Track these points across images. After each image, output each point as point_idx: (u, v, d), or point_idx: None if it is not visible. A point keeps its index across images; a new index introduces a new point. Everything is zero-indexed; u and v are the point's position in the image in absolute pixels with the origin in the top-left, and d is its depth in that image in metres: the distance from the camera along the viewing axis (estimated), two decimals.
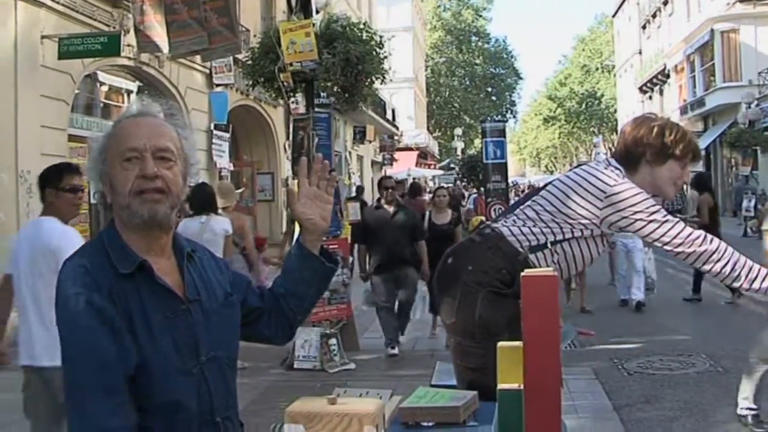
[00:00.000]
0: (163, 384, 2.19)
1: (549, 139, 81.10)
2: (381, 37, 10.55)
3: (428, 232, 10.69)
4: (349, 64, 9.62)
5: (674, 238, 3.45)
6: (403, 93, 51.41)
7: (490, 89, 70.14)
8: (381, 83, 10.83)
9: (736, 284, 3.50)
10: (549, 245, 3.53)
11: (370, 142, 36.20)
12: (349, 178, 30.69)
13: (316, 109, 9.92)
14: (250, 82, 10.55)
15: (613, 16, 66.36)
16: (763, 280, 3.42)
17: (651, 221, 3.47)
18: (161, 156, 2.24)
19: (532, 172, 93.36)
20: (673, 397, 7.72)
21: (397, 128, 43.37)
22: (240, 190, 16.68)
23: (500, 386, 2.07)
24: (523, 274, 1.79)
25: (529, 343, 1.77)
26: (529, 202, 3.69)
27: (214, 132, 19.22)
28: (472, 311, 3.51)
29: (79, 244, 5.04)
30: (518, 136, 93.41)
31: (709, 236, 3.52)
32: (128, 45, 13.49)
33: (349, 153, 33.95)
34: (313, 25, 9.50)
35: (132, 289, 2.20)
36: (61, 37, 12.00)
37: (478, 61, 68.91)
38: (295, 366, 9.40)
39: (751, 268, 3.45)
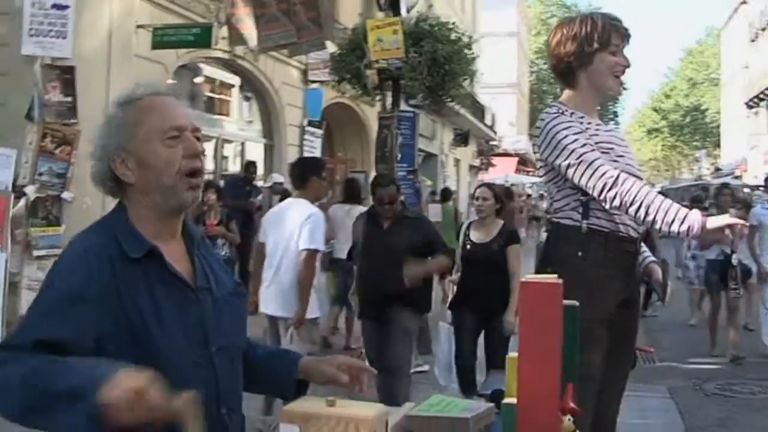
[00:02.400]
0: (170, 372, 2.06)
1: (652, 151, 79.63)
2: (470, 37, 10.34)
3: (463, 254, 7.31)
4: (435, 63, 9.48)
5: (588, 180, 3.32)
6: (505, 98, 51.02)
7: None
8: (469, 84, 10.61)
9: (656, 227, 3.28)
10: (587, 202, 3.35)
11: (466, 145, 35.89)
12: (444, 180, 30.54)
13: (402, 108, 9.77)
14: (337, 78, 10.46)
15: (722, 29, 64.74)
16: (681, 222, 3.17)
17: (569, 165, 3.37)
18: (197, 136, 2.26)
19: None
20: (750, 422, 7.40)
21: (495, 133, 42.96)
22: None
23: (506, 400, 1.93)
24: (523, 279, 1.57)
25: (524, 355, 1.53)
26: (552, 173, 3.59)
27: (307, 128, 19.26)
28: None
29: (320, 223, 6.28)
30: None
31: (623, 177, 3.29)
32: (223, 38, 13.54)
33: (446, 156, 33.76)
34: (402, 23, 9.34)
35: (141, 275, 2.15)
36: (155, 27, 12.07)
37: None
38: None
39: (667, 211, 3.20)
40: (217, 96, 17.42)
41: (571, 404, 2.07)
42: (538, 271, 3.66)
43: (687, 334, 11.96)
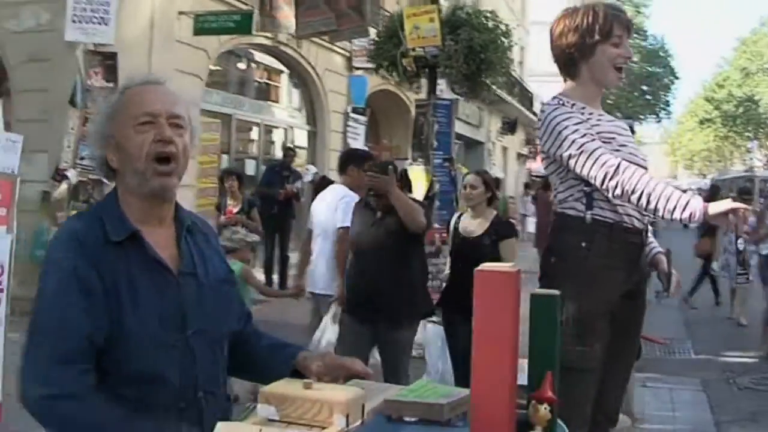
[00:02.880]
0: (140, 354, 2.17)
1: (704, 141, 78.27)
2: (507, 26, 10.27)
3: (451, 249, 6.71)
4: (472, 51, 9.41)
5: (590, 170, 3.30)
6: (554, 86, 50.36)
7: (645, 87, 68.10)
8: (504, 73, 10.55)
9: (658, 215, 3.27)
10: (590, 192, 3.33)
11: (513, 133, 35.64)
12: (490, 168, 30.38)
13: (439, 96, 9.76)
14: (374, 66, 10.47)
15: None
16: (683, 209, 3.14)
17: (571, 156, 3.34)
18: (175, 123, 2.26)
19: (684, 174, 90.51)
20: None
21: None
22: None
23: None
24: (477, 268, 1.57)
25: (477, 344, 1.54)
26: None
27: (351, 115, 19.30)
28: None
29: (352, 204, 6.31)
30: (672, 138, 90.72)
31: (624, 165, 3.27)
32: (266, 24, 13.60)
33: (493, 143, 33.58)
34: (439, 11, 9.31)
35: (122, 258, 2.20)
36: (196, 13, 12.16)
37: (635, 59, 66.96)
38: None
39: (668, 198, 3.17)
40: (260, 82, 17.50)
41: (549, 393, 2.07)
42: (542, 262, 3.64)
43: (724, 328, 11.80)
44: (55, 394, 2.09)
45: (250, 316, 2.67)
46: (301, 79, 18.18)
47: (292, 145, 15.94)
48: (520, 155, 40.92)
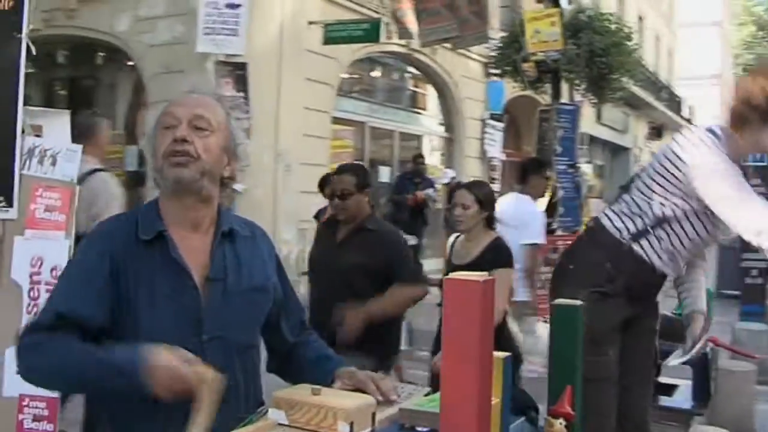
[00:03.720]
0: None
1: None
2: (629, 29, 10.02)
3: (444, 274, 4.96)
4: (593, 55, 9.22)
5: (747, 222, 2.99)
6: (706, 90, 48.83)
7: None
8: (629, 77, 10.28)
9: None
10: (650, 229, 3.18)
11: (660, 138, 34.65)
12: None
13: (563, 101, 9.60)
14: (499, 71, 10.40)
15: None
16: None
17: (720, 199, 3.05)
18: (196, 125, 2.28)
19: None
20: None
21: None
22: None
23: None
24: (446, 277, 1.53)
25: (446, 355, 1.50)
26: (631, 185, 3.38)
27: (488, 122, 19.19)
28: None
29: (537, 218, 6.85)
30: None
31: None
32: (395, 32, 13.70)
33: (640, 149, 32.79)
34: (561, 14, 9.16)
35: (148, 257, 2.25)
36: (326, 23, 12.35)
37: None
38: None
39: None
40: (394, 89, 17.60)
41: (567, 408, 2.01)
42: (559, 265, 3.53)
43: None
44: (21, 354, 2.16)
45: (304, 324, 2.68)
46: (437, 86, 18.19)
47: (422, 153, 15.94)
48: None
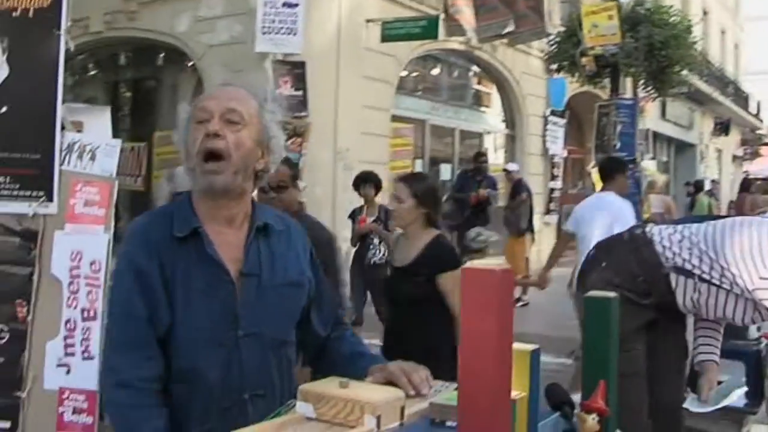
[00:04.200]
0: (188, 350, 2.23)
1: None
2: (689, 21, 9.83)
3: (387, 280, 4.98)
4: (653, 49, 9.06)
5: None
6: None
7: None
8: (689, 70, 10.09)
9: None
10: (696, 279, 3.11)
11: (726, 134, 34.02)
12: (703, 171, 29.19)
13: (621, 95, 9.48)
14: (555, 66, 10.29)
15: None
16: None
17: None
18: (228, 119, 2.28)
19: None
20: None
21: (761, 121, 40.43)
22: None
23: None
24: (465, 265, 1.49)
25: (462, 352, 1.47)
26: (701, 224, 3.26)
27: (550, 118, 19.03)
28: None
29: (624, 213, 6.73)
30: None
31: None
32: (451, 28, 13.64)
33: (706, 146, 32.22)
34: (618, 8, 9.04)
35: (183, 254, 2.26)
36: (383, 20, 12.34)
37: None
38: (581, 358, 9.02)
39: None
40: (455, 87, 17.53)
41: (600, 403, 1.96)
42: (591, 258, 3.48)
43: None
44: (117, 382, 2.18)
45: (339, 320, 2.67)
46: (498, 82, 18.08)
47: (483, 151, 15.84)
48: (735, 157, 39.00)
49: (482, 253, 6.87)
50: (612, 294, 2.03)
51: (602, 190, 7.35)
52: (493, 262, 1.51)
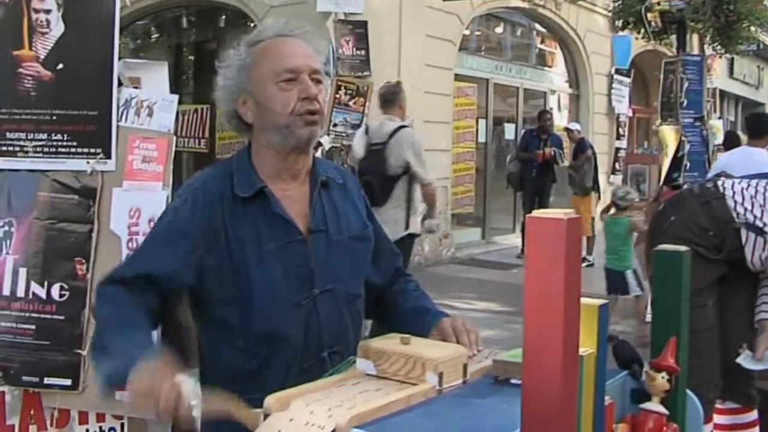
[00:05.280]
0: (266, 313, 2.19)
1: None
2: None
3: None
4: (720, 4, 8.78)
5: None
6: None
7: None
8: (758, 26, 9.78)
9: None
10: (766, 236, 2.99)
11: None
12: None
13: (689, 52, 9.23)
14: (620, 23, 10.07)
15: None
16: None
17: None
18: (316, 78, 2.24)
19: None
20: None
21: None
22: None
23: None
24: (529, 215, 1.43)
25: (529, 306, 1.41)
26: None
27: (615, 77, 18.70)
28: None
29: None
30: None
31: None
32: None
33: None
34: None
35: (248, 215, 2.21)
36: None
37: None
38: (647, 320, 8.93)
39: None
40: (518, 45, 17.31)
41: (670, 361, 1.89)
42: (659, 214, 3.39)
43: None
44: (96, 299, 2.18)
45: (399, 270, 2.61)
46: (562, 41, 17.80)
47: (548, 109, 15.62)
48: None
49: (629, 209, 6.98)
50: (683, 248, 1.94)
51: (750, 145, 7.30)
52: (558, 211, 1.43)
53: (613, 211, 8.12)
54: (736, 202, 3.15)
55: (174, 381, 1.79)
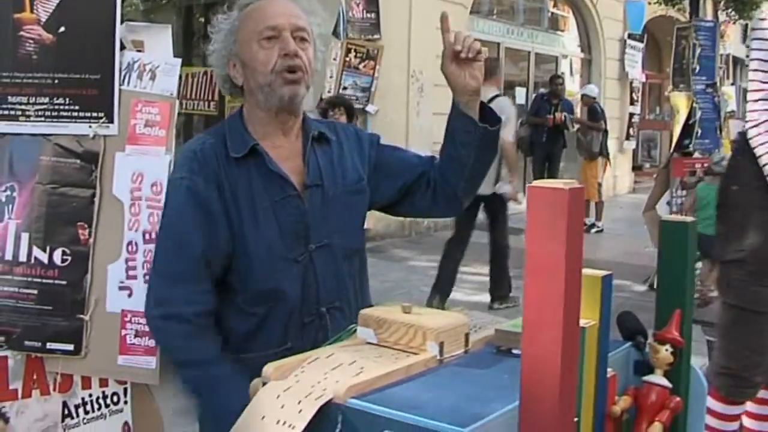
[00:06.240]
0: (263, 271, 2.21)
1: None
2: None
3: None
4: None
5: None
6: None
7: None
8: None
9: None
10: None
11: None
12: None
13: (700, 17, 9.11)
14: None
15: None
16: None
17: None
18: (300, 36, 2.25)
19: None
20: None
21: None
22: None
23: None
24: (530, 184, 1.40)
25: (529, 277, 1.39)
26: None
27: (628, 42, 18.62)
28: (742, 238, 2.99)
29: None
30: None
31: None
32: None
33: None
34: None
35: (243, 174, 2.23)
36: None
37: None
38: (655, 286, 8.89)
39: None
40: (530, 9, 17.17)
41: (674, 333, 1.87)
42: (721, 190, 3.29)
43: None
44: (165, 314, 2.16)
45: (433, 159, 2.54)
46: (574, 5, 17.66)
47: (559, 74, 15.52)
48: None
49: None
50: (689, 218, 1.92)
51: None
52: (560, 181, 1.41)
53: (708, 178, 7.96)
54: (757, 129, 3.07)
55: None
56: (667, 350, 1.85)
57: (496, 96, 7.91)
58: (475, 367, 1.80)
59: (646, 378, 1.86)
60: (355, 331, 1.97)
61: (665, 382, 1.85)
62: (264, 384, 1.69)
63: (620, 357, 1.90)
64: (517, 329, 2.01)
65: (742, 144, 3.20)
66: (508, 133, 7.82)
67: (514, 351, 1.93)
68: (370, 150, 2.47)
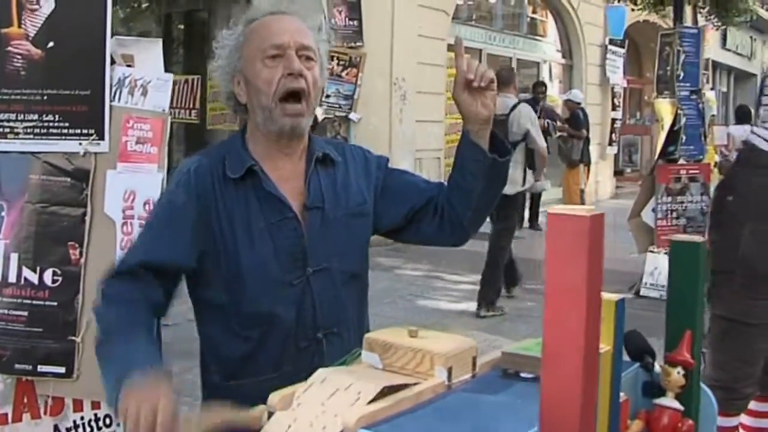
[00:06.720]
0: (257, 292, 2.15)
1: None
2: None
3: None
4: None
5: None
6: None
7: None
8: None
9: None
10: None
11: None
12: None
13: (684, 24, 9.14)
14: None
15: None
16: None
17: None
18: (305, 55, 2.18)
19: None
20: None
21: None
22: None
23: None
24: (550, 210, 1.36)
25: (549, 303, 1.35)
26: None
27: (609, 47, 18.69)
28: (734, 249, 2.96)
29: None
30: None
31: None
32: None
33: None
34: None
35: (240, 195, 2.17)
36: None
37: None
38: (642, 293, 8.92)
39: None
40: (511, 15, 17.21)
41: (685, 355, 1.83)
42: (716, 200, 3.27)
43: None
44: (98, 296, 2.10)
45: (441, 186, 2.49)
46: (556, 11, 17.71)
47: (543, 81, 15.54)
48: None
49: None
50: (699, 239, 1.88)
51: None
52: (581, 208, 1.37)
53: None
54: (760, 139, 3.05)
55: (153, 405, 1.69)
56: (679, 373, 1.81)
57: (518, 104, 8.32)
58: (485, 392, 1.75)
59: (658, 401, 1.82)
60: (359, 355, 1.92)
61: (677, 405, 1.81)
62: (270, 414, 1.64)
63: (629, 378, 1.87)
64: (526, 352, 1.97)
65: (746, 155, 3.17)
66: (541, 140, 8.49)
67: (523, 374, 1.89)
68: (377, 173, 2.41)
